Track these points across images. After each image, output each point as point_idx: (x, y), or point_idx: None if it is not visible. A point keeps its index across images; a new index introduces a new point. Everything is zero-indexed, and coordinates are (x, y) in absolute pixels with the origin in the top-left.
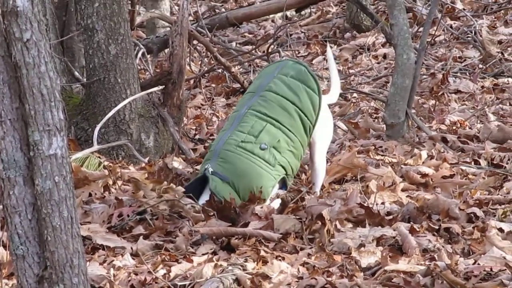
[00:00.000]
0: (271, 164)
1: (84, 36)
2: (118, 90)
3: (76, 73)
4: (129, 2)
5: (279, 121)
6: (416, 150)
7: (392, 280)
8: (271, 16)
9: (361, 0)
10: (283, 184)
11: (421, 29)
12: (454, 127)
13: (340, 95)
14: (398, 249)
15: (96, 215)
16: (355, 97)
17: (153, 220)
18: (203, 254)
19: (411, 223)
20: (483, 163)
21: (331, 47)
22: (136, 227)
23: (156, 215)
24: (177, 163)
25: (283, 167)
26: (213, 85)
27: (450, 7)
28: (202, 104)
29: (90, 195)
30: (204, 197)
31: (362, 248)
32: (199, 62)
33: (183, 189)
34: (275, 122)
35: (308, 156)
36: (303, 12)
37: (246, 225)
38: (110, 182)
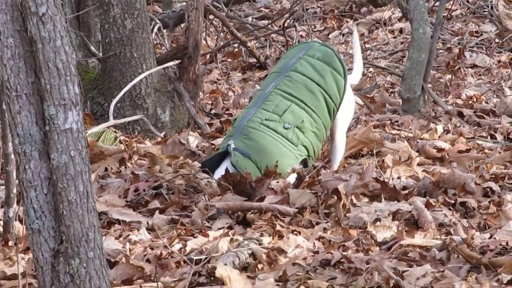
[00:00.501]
0: (294, 144)
1: (100, 10)
2: (134, 65)
3: (92, 48)
4: None
5: (303, 102)
6: (432, 125)
7: (408, 255)
8: None
9: None
10: (304, 164)
11: (437, 3)
12: (470, 102)
13: None
14: (414, 224)
15: (112, 189)
16: (371, 71)
17: (169, 195)
18: (219, 229)
19: (427, 197)
20: (499, 137)
21: (347, 21)
22: (152, 201)
23: (172, 189)
24: (192, 138)
25: (305, 147)
26: (229, 60)
27: None
28: (218, 79)
29: (106, 169)
30: (220, 172)
31: (378, 223)
32: (215, 37)
33: (199, 164)
34: (300, 102)
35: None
36: None
37: (262, 199)
38: (126, 156)
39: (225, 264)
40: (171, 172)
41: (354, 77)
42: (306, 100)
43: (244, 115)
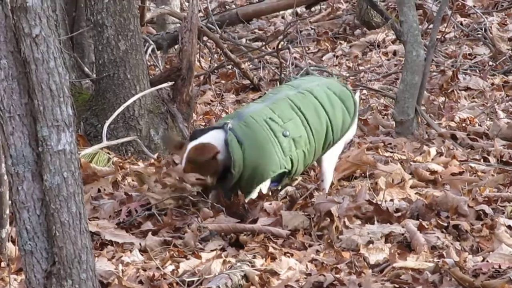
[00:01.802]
0: (284, 153)
1: (94, 32)
2: (127, 86)
3: (86, 69)
4: None
5: (308, 120)
6: (425, 147)
7: (401, 277)
8: (281, 12)
9: None
10: (280, 179)
11: (431, 26)
12: (463, 124)
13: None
14: (406, 246)
15: (104, 210)
16: (364, 93)
17: (162, 216)
18: (212, 250)
19: (420, 220)
20: (492, 160)
21: (340, 43)
22: (145, 223)
23: (164, 210)
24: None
25: (292, 161)
26: (223, 81)
27: (460, 4)
28: (211, 100)
29: (99, 191)
30: (205, 137)
31: (371, 245)
32: (209, 59)
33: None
34: (304, 119)
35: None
36: (313, 9)
37: (254, 221)
38: (119, 178)
39: (217, 286)
40: (160, 189)
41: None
42: (310, 120)
43: (250, 106)
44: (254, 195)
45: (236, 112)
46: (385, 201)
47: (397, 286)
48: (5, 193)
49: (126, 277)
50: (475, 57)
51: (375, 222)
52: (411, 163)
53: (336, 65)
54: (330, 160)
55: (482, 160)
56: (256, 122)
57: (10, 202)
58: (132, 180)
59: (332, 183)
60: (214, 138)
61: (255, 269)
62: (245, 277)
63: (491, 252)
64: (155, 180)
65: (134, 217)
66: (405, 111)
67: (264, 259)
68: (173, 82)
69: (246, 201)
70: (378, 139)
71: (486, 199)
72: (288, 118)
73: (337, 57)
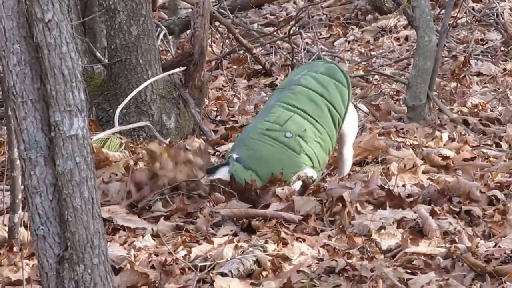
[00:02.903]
0: (296, 152)
1: (106, 17)
2: (139, 71)
3: (98, 54)
4: None
5: (306, 112)
6: (437, 133)
7: (413, 263)
8: None
9: None
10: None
11: (443, 11)
12: (475, 110)
13: (362, 77)
14: (418, 232)
15: (113, 194)
16: (376, 79)
17: (173, 198)
18: (224, 236)
19: (432, 205)
20: (504, 145)
21: (352, 29)
22: (156, 206)
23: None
24: (197, 144)
25: (309, 157)
26: (235, 66)
27: None
28: (223, 86)
29: (110, 176)
30: (217, 175)
31: (383, 231)
32: (221, 44)
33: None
34: (303, 113)
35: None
36: None
37: (266, 206)
38: (131, 163)
39: (229, 271)
40: (171, 166)
41: None
42: (309, 110)
43: (247, 128)
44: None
45: (237, 139)
46: (397, 186)
47: (409, 271)
48: (18, 178)
49: (138, 262)
50: (487, 43)
51: (387, 208)
52: (423, 148)
53: (348, 51)
54: (348, 153)
55: (494, 145)
56: (254, 139)
57: (22, 187)
58: (144, 166)
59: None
60: (224, 176)
61: (267, 254)
62: (257, 262)
63: (503, 238)
64: (166, 156)
65: (146, 197)
66: (417, 96)
67: (276, 244)
68: (185, 67)
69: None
70: (390, 124)
71: (498, 184)
72: (284, 120)
73: (348, 42)
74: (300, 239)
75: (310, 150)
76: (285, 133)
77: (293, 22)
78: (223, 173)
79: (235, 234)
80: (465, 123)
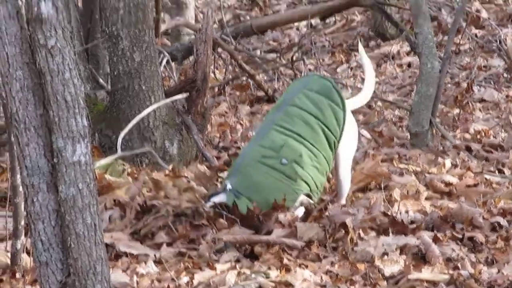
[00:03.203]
0: (292, 179)
1: (109, 43)
2: (142, 98)
3: (101, 80)
4: (154, 9)
5: (301, 136)
6: (440, 159)
7: None
8: (295, 24)
9: (385, 9)
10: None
11: (445, 37)
12: (478, 136)
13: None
14: (421, 258)
15: (118, 219)
16: (379, 105)
17: (176, 226)
18: (226, 262)
19: (435, 231)
20: (507, 172)
21: (355, 55)
22: (159, 234)
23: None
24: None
25: (306, 182)
26: (237, 93)
27: (475, 16)
28: (226, 112)
29: (114, 202)
30: (215, 199)
31: (385, 257)
32: (224, 70)
33: (206, 191)
34: (297, 136)
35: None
36: (327, 20)
37: (269, 233)
38: (135, 190)
39: None
40: (177, 194)
41: (360, 100)
42: (304, 134)
43: (242, 153)
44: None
45: (233, 165)
46: (400, 212)
47: None
48: (20, 204)
49: None
50: (489, 69)
51: (390, 234)
52: (426, 174)
53: (350, 77)
54: (344, 172)
55: (497, 172)
56: (250, 167)
57: (25, 213)
58: (147, 191)
59: (347, 195)
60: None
61: (270, 281)
62: None
63: (506, 264)
64: (172, 185)
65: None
66: (420, 122)
67: (278, 270)
68: (188, 94)
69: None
70: (393, 150)
71: (501, 211)
72: (280, 146)
73: (351, 68)
74: (303, 266)
75: (306, 175)
76: (281, 160)
77: (295, 48)
78: (219, 200)
79: (237, 261)
80: (468, 149)
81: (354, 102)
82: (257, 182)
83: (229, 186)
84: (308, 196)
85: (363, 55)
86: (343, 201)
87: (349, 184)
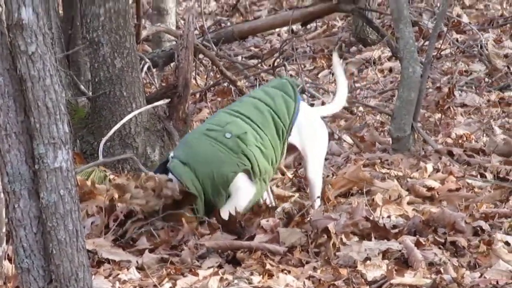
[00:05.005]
0: (234, 151)
1: (90, 49)
2: (123, 104)
3: (82, 87)
4: (135, 15)
5: (250, 118)
6: (422, 164)
7: None
8: (277, 30)
9: (366, 14)
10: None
11: (427, 42)
12: (460, 141)
13: (346, 108)
14: (404, 263)
15: (94, 226)
16: (361, 110)
17: (158, 231)
18: (209, 268)
19: (417, 236)
20: (489, 176)
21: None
22: (141, 240)
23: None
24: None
25: (248, 158)
26: (219, 98)
27: (456, 21)
28: (207, 118)
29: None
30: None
31: (368, 262)
32: (205, 76)
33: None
34: (246, 118)
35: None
36: (308, 26)
37: (251, 238)
38: (116, 195)
39: None
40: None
41: (335, 105)
42: (253, 117)
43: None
44: (230, 205)
45: (180, 140)
46: (382, 217)
47: None
48: (1, 211)
49: None
50: (471, 74)
51: (372, 239)
52: (408, 179)
53: (332, 82)
54: (314, 175)
55: (479, 176)
56: (195, 138)
57: (6, 220)
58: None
59: (329, 200)
60: (163, 171)
61: (252, 286)
62: None
63: (488, 268)
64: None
65: (130, 234)
66: (401, 127)
67: (261, 276)
68: (169, 100)
69: (223, 211)
70: (375, 155)
71: (483, 215)
72: (226, 122)
73: (333, 74)
74: (285, 271)
75: (250, 152)
76: (224, 133)
77: (277, 54)
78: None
79: (220, 266)
80: (450, 154)
81: (325, 110)
82: (200, 153)
83: (171, 154)
84: (248, 173)
85: (337, 65)
86: (317, 203)
87: (320, 186)
